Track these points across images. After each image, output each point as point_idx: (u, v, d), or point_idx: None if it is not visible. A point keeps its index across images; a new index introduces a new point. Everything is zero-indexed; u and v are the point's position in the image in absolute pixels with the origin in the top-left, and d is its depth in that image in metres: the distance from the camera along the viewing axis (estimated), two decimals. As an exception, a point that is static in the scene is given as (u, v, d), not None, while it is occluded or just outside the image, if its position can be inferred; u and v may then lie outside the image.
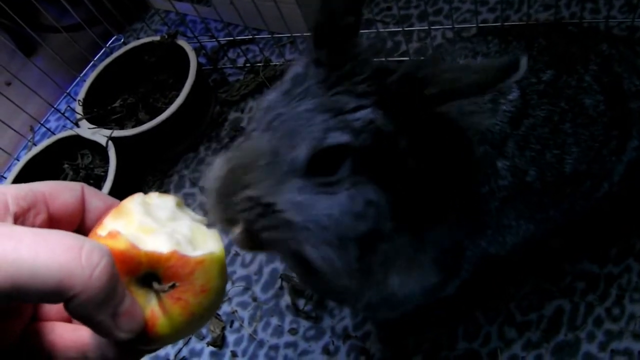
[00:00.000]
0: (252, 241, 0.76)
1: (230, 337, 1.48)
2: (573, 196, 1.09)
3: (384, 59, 0.85)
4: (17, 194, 0.52)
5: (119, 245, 0.51)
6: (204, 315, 0.57)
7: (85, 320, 0.47)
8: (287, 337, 1.43)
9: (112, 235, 0.52)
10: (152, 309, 0.53)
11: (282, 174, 0.74)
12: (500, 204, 1.00)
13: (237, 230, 0.75)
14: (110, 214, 0.56)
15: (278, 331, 1.45)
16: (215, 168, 0.78)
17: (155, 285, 0.53)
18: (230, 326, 1.49)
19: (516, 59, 0.69)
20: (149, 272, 0.53)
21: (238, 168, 0.75)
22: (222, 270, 0.57)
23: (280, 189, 0.74)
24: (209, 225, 0.61)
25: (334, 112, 0.73)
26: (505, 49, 1.11)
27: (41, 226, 0.54)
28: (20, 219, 0.52)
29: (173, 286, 0.52)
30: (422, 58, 1.08)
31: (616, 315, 1.25)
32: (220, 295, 0.58)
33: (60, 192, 0.57)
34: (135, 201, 0.58)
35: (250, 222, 0.74)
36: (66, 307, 0.45)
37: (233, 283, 1.55)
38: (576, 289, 1.30)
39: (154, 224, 0.56)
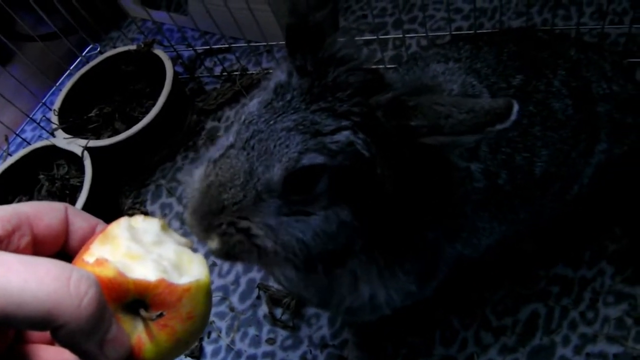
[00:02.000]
0: (228, 255, 0.78)
1: (208, 348, 1.46)
2: (543, 198, 1.10)
3: (371, 66, 0.84)
4: (1, 216, 0.53)
5: (107, 272, 0.52)
6: (189, 340, 0.58)
7: (73, 348, 0.47)
8: (265, 347, 1.42)
9: (100, 262, 0.52)
10: (139, 335, 0.54)
11: (257, 194, 0.74)
12: (475, 207, 1.01)
13: (214, 244, 0.76)
14: (97, 239, 0.57)
15: (256, 341, 1.44)
16: (194, 183, 0.78)
17: (143, 313, 0.54)
18: (208, 337, 1.48)
19: (508, 104, 0.68)
20: (136, 299, 0.54)
21: (215, 186, 0.75)
22: (207, 296, 0.58)
23: (255, 210, 0.75)
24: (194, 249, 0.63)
25: (312, 133, 0.73)
26: (476, 54, 1.12)
27: (26, 248, 0.54)
28: (4, 241, 0.52)
29: (161, 315, 0.53)
30: (414, 83, 1.06)
31: (590, 318, 1.26)
32: (205, 321, 0.59)
33: (44, 213, 0.57)
34: (121, 226, 0.59)
35: (227, 245, 0.76)
36: (53, 335, 0.45)
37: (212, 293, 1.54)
38: (551, 292, 1.31)
39: (140, 250, 0.57)
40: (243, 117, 0.78)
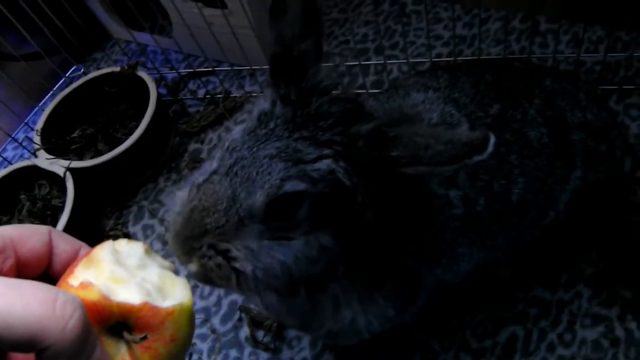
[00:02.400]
0: (206, 279, 0.79)
1: (189, 370, 1.46)
2: (520, 224, 1.12)
3: (353, 93, 0.85)
4: None
5: (91, 296, 0.53)
6: None
7: None
8: (248, 368, 1.42)
9: (84, 286, 0.53)
10: (122, 357, 0.55)
11: (239, 220, 0.76)
12: (454, 233, 1.03)
13: (194, 267, 0.78)
14: (81, 262, 0.58)
15: (238, 362, 1.44)
16: (177, 206, 0.79)
17: (127, 335, 0.55)
18: (189, 359, 1.47)
19: (485, 137, 0.69)
20: (119, 322, 0.55)
21: (198, 211, 0.77)
22: (190, 319, 0.60)
23: (237, 234, 0.76)
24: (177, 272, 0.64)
25: (294, 161, 0.75)
26: (455, 84, 1.14)
27: (9, 271, 0.55)
28: None
29: (144, 338, 0.54)
30: (394, 112, 1.08)
31: (568, 341, 1.28)
32: (188, 343, 0.60)
33: (28, 236, 0.58)
34: (105, 249, 0.60)
35: (206, 269, 0.77)
36: (38, 357, 0.46)
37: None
38: (529, 315, 1.33)
39: (124, 273, 0.58)
40: (226, 144, 0.79)
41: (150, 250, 0.67)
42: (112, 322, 0.54)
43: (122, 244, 0.64)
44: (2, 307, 0.44)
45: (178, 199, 0.81)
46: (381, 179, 0.77)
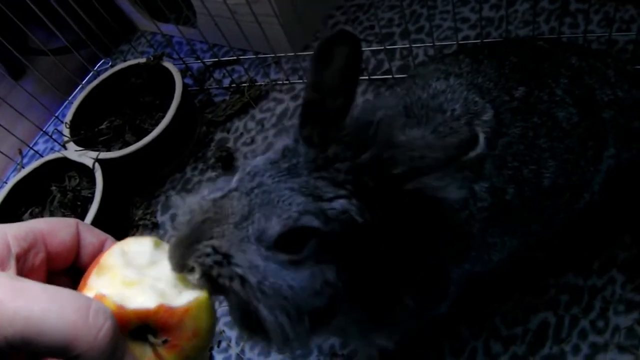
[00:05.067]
0: (211, 286, 0.71)
1: (218, 357, 1.47)
2: (553, 209, 1.10)
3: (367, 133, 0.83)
4: (17, 234, 0.55)
5: None
6: (197, 355, 0.60)
7: None
8: (275, 356, 1.43)
9: (99, 298, 0.54)
10: (149, 359, 0.56)
11: (247, 237, 0.73)
12: (482, 225, 1.01)
13: (195, 276, 0.70)
14: (92, 271, 0.59)
15: (265, 350, 1.44)
16: (186, 215, 0.78)
17: (151, 339, 0.56)
18: (218, 346, 1.49)
19: (474, 136, 0.72)
20: (140, 325, 0.56)
21: (209, 221, 0.74)
22: (209, 310, 0.61)
23: (242, 247, 0.73)
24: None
25: (313, 198, 0.75)
26: (477, 68, 1.12)
27: (41, 265, 0.57)
28: (21, 259, 0.55)
29: (166, 341, 0.56)
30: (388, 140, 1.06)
31: (601, 327, 1.25)
32: (212, 333, 0.61)
33: (58, 230, 0.60)
34: (114, 254, 0.61)
35: (205, 268, 0.71)
36: None
37: (220, 303, 1.54)
38: (560, 301, 1.30)
39: (136, 276, 0.59)
40: (248, 169, 0.79)
41: (160, 243, 0.67)
42: (131, 327, 0.55)
43: (130, 243, 0.64)
44: (38, 312, 0.45)
45: (187, 205, 0.79)
46: (389, 201, 0.78)
